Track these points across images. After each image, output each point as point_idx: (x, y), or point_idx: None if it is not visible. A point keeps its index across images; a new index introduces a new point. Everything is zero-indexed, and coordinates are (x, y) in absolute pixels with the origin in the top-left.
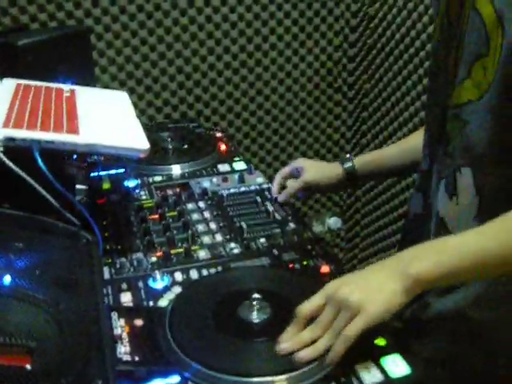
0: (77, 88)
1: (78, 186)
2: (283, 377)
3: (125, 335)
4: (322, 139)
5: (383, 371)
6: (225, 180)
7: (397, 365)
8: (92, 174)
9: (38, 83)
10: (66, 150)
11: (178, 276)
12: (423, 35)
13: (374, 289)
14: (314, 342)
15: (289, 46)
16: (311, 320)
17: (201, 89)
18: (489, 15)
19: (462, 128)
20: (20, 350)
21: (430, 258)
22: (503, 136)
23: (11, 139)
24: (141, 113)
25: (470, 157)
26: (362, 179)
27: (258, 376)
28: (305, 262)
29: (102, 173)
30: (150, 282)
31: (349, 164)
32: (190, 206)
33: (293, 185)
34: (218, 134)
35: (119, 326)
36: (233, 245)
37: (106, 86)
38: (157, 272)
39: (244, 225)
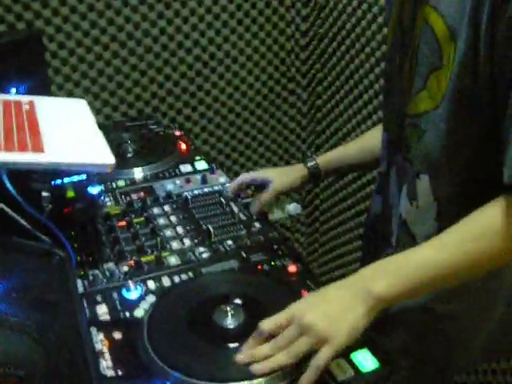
0: (35, 99)
1: (42, 194)
2: (261, 379)
3: (105, 349)
4: (279, 128)
5: (354, 366)
6: (188, 181)
7: (366, 359)
8: (54, 182)
9: None
10: (33, 169)
11: (151, 284)
12: (373, 25)
13: (338, 316)
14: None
15: (241, 37)
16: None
17: (156, 85)
18: (440, 30)
19: (420, 137)
20: (9, 380)
21: (389, 277)
22: (456, 144)
23: None
24: (97, 112)
25: (427, 164)
26: (325, 177)
27: (236, 381)
28: (272, 263)
29: (65, 179)
30: (124, 293)
31: (312, 163)
32: (155, 210)
33: (265, 197)
34: (177, 133)
35: (99, 341)
36: (202, 249)
37: (61, 87)
38: (130, 282)
39: (211, 228)
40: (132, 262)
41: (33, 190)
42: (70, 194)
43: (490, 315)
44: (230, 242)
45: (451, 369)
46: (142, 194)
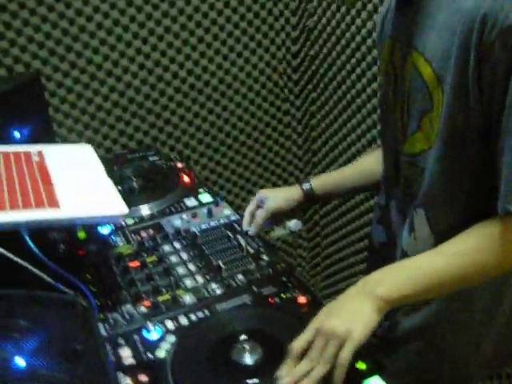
0: (43, 148)
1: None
2: None
3: None
4: (275, 148)
5: None
6: (194, 216)
7: None
8: None
9: (4, 148)
10: (51, 226)
11: (169, 324)
12: (363, 46)
13: (353, 315)
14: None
15: (234, 64)
16: (303, 354)
17: (153, 115)
18: (429, 76)
19: (420, 173)
20: None
21: (394, 281)
22: (452, 181)
23: None
24: (98, 146)
25: (423, 199)
26: (322, 199)
27: None
28: (283, 295)
29: None
30: (145, 334)
31: (307, 185)
32: (166, 248)
33: (260, 215)
34: (179, 165)
35: None
36: (214, 285)
37: (61, 124)
38: (149, 323)
39: (221, 264)
40: (149, 303)
41: (49, 240)
42: (82, 235)
43: (490, 329)
44: (240, 277)
45: (459, 381)
46: (151, 231)
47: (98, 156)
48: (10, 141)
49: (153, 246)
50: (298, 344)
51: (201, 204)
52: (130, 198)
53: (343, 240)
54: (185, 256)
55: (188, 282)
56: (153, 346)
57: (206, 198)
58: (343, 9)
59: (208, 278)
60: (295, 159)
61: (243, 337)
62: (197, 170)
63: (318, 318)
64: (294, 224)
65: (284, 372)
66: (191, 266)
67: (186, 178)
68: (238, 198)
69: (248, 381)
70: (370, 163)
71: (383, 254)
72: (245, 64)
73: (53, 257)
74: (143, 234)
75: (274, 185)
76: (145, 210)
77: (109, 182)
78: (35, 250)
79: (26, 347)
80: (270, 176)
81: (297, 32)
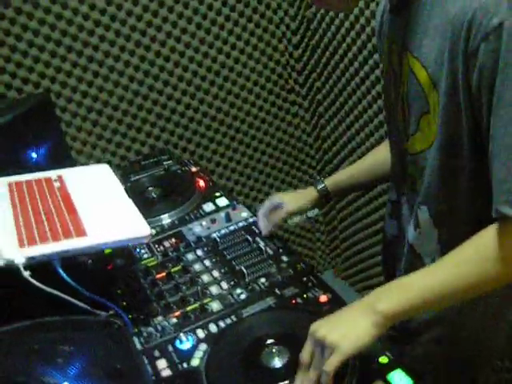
0: (63, 173)
1: None
2: None
3: None
4: (285, 138)
5: None
6: (213, 221)
7: (401, 378)
8: None
9: (26, 177)
10: (80, 253)
11: (200, 333)
12: (363, 34)
13: (348, 326)
14: None
15: (237, 61)
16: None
17: (163, 119)
18: (424, 80)
19: (422, 171)
20: None
21: (392, 298)
22: (451, 178)
23: (31, 258)
24: (112, 154)
25: (425, 196)
26: (336, 197)
27: None
28: (304, 295)
29: None
30: (178, 344)
31: (321, 186)
32: (190, 256)
33: (277, 218)
34: (193, 169)
35: None
36: (238, 290)
37: (74, 138)
38: (181, 334)
39: (244, 269)
40: (179, 314)
41: (78, 261)
42: (107, 250)
43: (504, 317)
44: (263, 280)
45: (474, 368)
46: (173, 240)
47: (114, 165)
48: (28, 161)
49: (177, 255)
50: (303, 356)
51: (218, 208)
52: (150, 208)
53: (359, 222)
54: (208, 263)
55: (214, 290)
56: (186, 355)
57: (222, 201)
58: None
59: (232, 283)
60: (308, 158)
61: (271, 341)
62: (210, 167)
63: (314, 326)
64: (311, 210)
65: (298, 383)
66: (215, 273)
67: (202, 183)
68: (246, 187)
69: (280, 383)
70: (381, 156)
71: (395, 246)
72: (248, 60)
73: (83, 278)
74: (166, 243)
75: (289, 184)
76: (165, 219)
77: (130, 203)
78: (68, 279)
79: (71, 372)
80: (284, 177)
81: (296, 23)
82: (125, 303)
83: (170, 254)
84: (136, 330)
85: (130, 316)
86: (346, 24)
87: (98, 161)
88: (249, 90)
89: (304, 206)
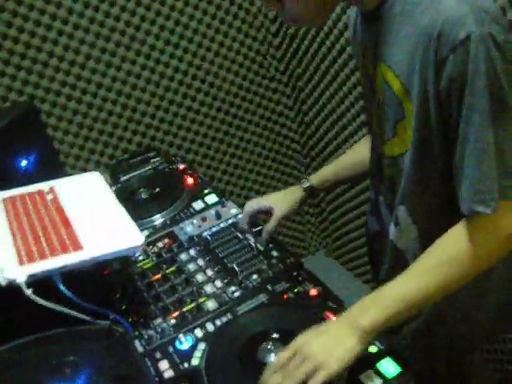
0: (54, 184)
1: None
2: None
3: None
4: (270, 126)
5: (381, 375)
6: (204, 220)
7: (389, 367)
8: None
9: (19, 191)
10: (78, 267)
11: (198, 332)
12: (339, 23)
13: (333, 345)
14: None
15: (218, 54)
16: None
17: (148, 116)
18: (398, 89)
19: (399, 174)
20: None
21: (372, 312)
22: (423, 181)
23: (32, 275)
24: (100, 154)
25: (403, 196)
26: (322, 192)
27: None
28: (295, 290)
29: None
30: (178, 345)
31: (307, 184)
32: (183, 256)
33: (270, 226)
34: (181, 166)
35: None
36: (232, 288)
37: (61, 141)
38: (181, 335)
39: (235, 267)
40: (176, 314)
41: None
42: None
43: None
44: (255, 277)
45: (461, 351)
46: (166, 241)
47: (102, 164)
48: (18, 170)
49: (170, 256)
50: (278, 359)
51: (208, 206)
52: (142, 209)
53: (347, 204)
54: (201, 262)
55: (208, 289)
56: (187, 355)
57: (212, 198)
58: None
59: (226, 282)
60: (291, 132)
61: (265, 337)
62: (197, 159)
63: (301, 339)
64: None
65: (261, 380)
66: (209, 272)
67: (190, 180)
68: (233, 177)
69: None
70: (363, 153)
71: (378, 241)
72: (228, 52)
73: (81, 286)
74: (159, 244)
75: (278, 180)
76: (157, 219)
77: (122, 212)
78: (68, 294)
79: (79, 382)
80: (274, 173)
81: (273, 12)
82: (124, 307)
83: (164, 255)
84: (137, 333)
85: (129, 319)
86: None
87: (87, 161)
88: (231, 82)
89: (293, 207)
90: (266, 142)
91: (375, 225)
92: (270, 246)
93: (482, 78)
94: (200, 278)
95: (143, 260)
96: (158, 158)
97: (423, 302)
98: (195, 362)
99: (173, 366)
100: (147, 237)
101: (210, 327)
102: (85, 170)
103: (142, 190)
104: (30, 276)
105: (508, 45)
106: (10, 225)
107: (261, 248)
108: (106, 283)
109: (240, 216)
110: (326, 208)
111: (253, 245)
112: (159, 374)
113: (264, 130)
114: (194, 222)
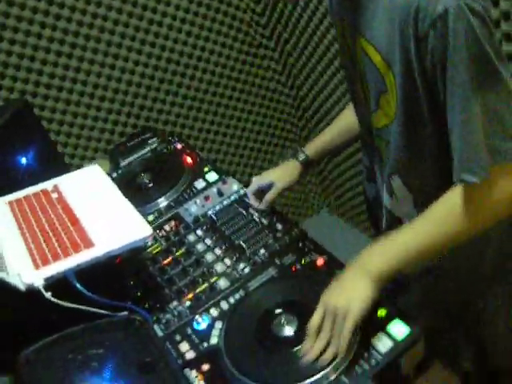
0: (57, 182)
1: None
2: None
3: (202, 383)
4: (261, 92)
5: (391, 337)
6: (207, 198)
7: (399, 328)
8: None
9: (24, 192)
10: (92, 264)
11: (214, 312)
12: None
13: (351, 293)
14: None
15: (202, 26)
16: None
17: (141, 98)
18: (379, 62)
19: (387, 145)
20: None
21: (380, 258)
22: (416, 149)
23: (49, 278)
24: (98, 141)
25: (396, 167)
26: (318, 162)
27: (311, 376)
28: (303, 261)
29: None
30: (195, 326)
31: (303, 157)
32: (191, 237)
33: (271, 196)
34: (179, 146)
35: (194, 377)
36: (242, 265)
37: (58, 133)
38: (197, 316)
39: (243, 243)
40: (191, 296)
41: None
42: None
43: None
44: (262, 251)
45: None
46: (173, 223)
47: (100, 150)
48: (20, 167)
49: (179, 238)
50: (312, 323)
51: (209, 184)
52: (146, 193)
53: (348, 160)
54: (209, 242)
55: (218, 268)
56: (205, 334)
57: (212, 176)
58: None
59: (234, 259)
60: (282, 96)
61: (278, 311)
62: (193, 134)
63: (325, 297)
64: None
65: (305, 349)
66: (217, 251)
67: (189, 159)
68: (231, 147)
69: (293, 350)
70: (350, 118)
71: (376, 207)
72: (212, 24)
73: (95, 279)
74: (166, 227)
75: (272, 153)
76: (162, 202)
77: (127, 204)
78: (85, 291)
79: (106, 373)
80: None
81: None
82: (139, 294)
83: (172, 237)
84: (155, 318)
85: (146, 305)
86: None
87: (85, 149)
88: (218, 53)
89: (293, 179)
90: (259, 109)
91: (372, 191)
92: (274, 219)
93: (462, 51)
94: (209, 257)
95: (152, 245)
96: (154, 139)
97: (426, 250)
98: (214, 340)
99: (193, 346)
100: (153, 221)
101: (224, 305)
102: (83, 158)
103: (143, 174)
104: (47, 279)
105: (487, 11)
106: (19, 228)
107: (265, 222)
108: (119, 272)
109: (242, 192)
110: (325, 167)
111: (257, 220)
112: (181, 355)
113: (256, 97)
114: (198, 201)
